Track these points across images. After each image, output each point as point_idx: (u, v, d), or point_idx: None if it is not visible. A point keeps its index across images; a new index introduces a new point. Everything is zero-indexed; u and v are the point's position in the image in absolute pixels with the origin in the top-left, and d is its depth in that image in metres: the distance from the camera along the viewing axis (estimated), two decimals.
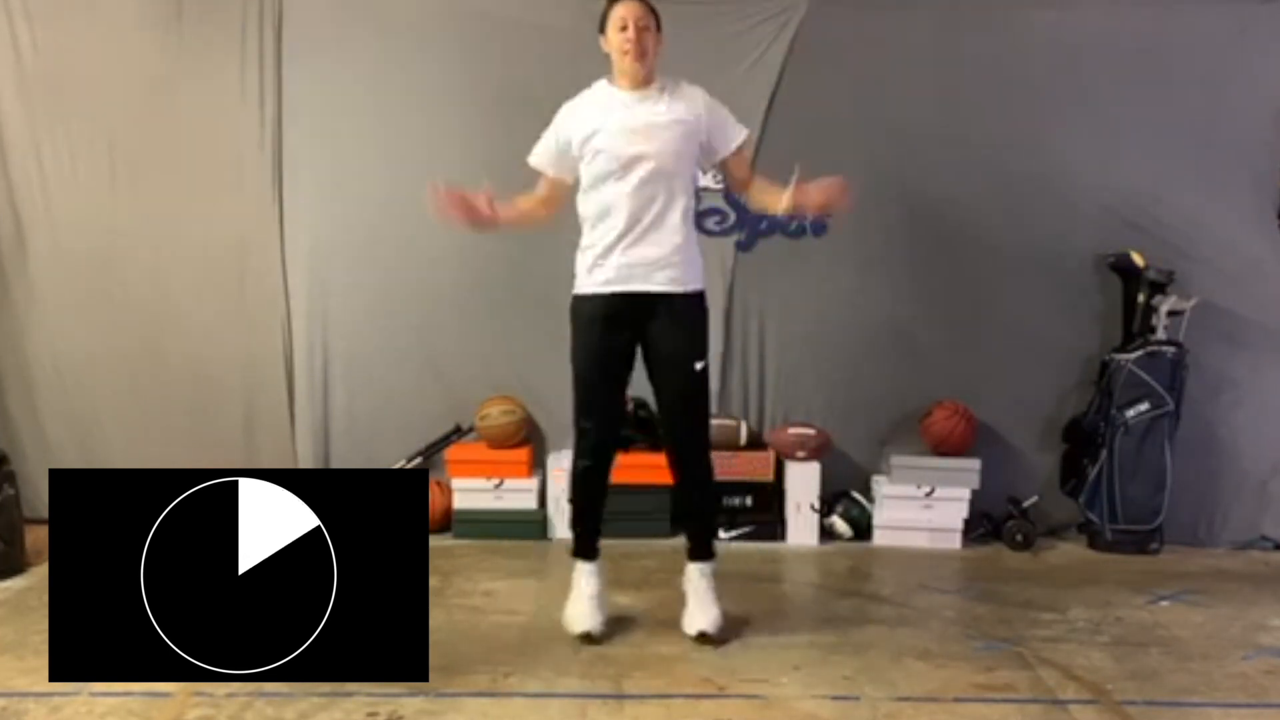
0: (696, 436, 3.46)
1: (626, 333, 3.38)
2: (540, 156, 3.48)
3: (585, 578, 3.52)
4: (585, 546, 3.55)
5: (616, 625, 3.58)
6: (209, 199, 4.70)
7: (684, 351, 3.37)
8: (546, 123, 3.52)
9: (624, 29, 3.29)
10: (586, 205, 3.40)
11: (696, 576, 3.50)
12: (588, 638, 3.41)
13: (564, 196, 3.53)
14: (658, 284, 3.32)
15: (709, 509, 3.62)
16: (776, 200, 3.40)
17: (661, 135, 3.29)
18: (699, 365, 3.38)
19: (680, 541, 3.60)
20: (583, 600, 3.49)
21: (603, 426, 3.45)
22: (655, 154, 3.28)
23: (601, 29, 3.37)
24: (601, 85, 3.40)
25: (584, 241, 3.41)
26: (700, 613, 3.45)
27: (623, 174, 3.29)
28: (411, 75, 4.67)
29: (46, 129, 4.67)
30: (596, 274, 3.35)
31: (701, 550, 3.53)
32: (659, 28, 3.35)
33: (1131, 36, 4.57)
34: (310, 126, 4.69)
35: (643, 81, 3.35)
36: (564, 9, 4.60)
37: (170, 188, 4.68)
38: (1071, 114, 4.61)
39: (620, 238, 3.30)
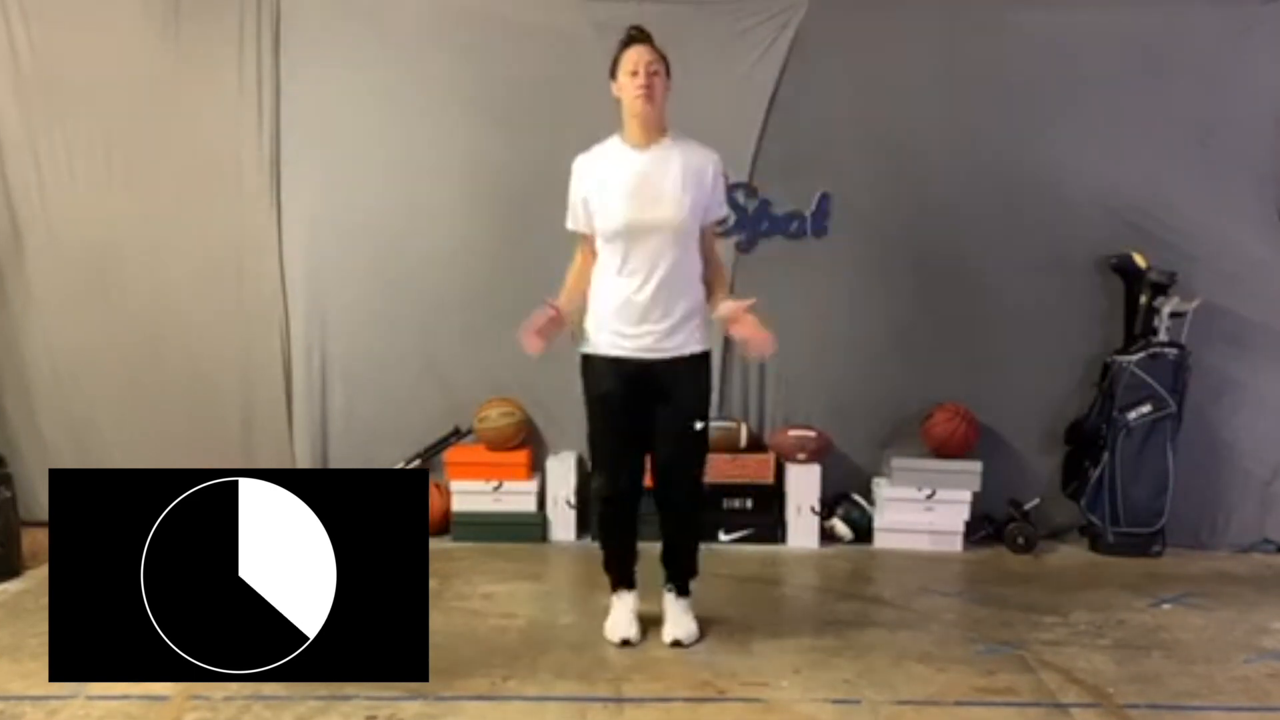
0: (690, 494, 3.50)
1: (636, 387, 3.37)
2: (573, 218, 3.45)
3: (623, 601, 3.56)
4: (622, 579, 3.58)
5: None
6: (207, 200, 4.68)
7: (684, 412, 3.39)
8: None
9: (634, 74, 3.28)
10: (596, 261, 3.42)
11: (674, 607, 3.55)
12: (626, 643, 3.46)
13: None
14: (663, 350, 3.34)
15: (693, 556, 3.60)
16: (715, 303, 3.42)
17: (670, 201, 3.29)
18: (698, 425, 3.41)
19: None
20: (622, 616, 3.53)
21: (623, 468, 3.45)
22: (663, 220, 3.29)
23: (612, 74, 3.36)
24: (614, 142, 3.39)
25: (592, 295, 3.42)
26: (679, 626, 3.51)
27: (629, 237, 3.30)
28: (410, 76, 4.66)
29: (44, 129, 4.66)
30: (604, 336, 3.38)
31: (681, 588, 3.57)
32: (668, 73, 3.34)
33: (1133, 37, 4.55)
34: (308, 127, 4.67)
35: (654, 131, 3.33)
36: (564, 11, 4.60)
37: (168, 188, 4.67)
38: (1073, 115, 4.59)
39: (626, 300, 3.32)
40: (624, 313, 3.33)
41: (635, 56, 3.29)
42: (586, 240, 3.46)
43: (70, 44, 4.62)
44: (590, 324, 3.42)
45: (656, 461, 3.45)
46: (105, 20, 4.62)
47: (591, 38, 4.37)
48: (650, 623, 3.55)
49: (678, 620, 3.51)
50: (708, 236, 3.48)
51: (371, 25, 4.64)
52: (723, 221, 3.50)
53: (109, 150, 4.67)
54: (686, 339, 3.36)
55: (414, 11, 4.65)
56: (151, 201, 4.68)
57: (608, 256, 3.36)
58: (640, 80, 3.27)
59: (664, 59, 3.33)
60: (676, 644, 3.46)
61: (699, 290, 3.41)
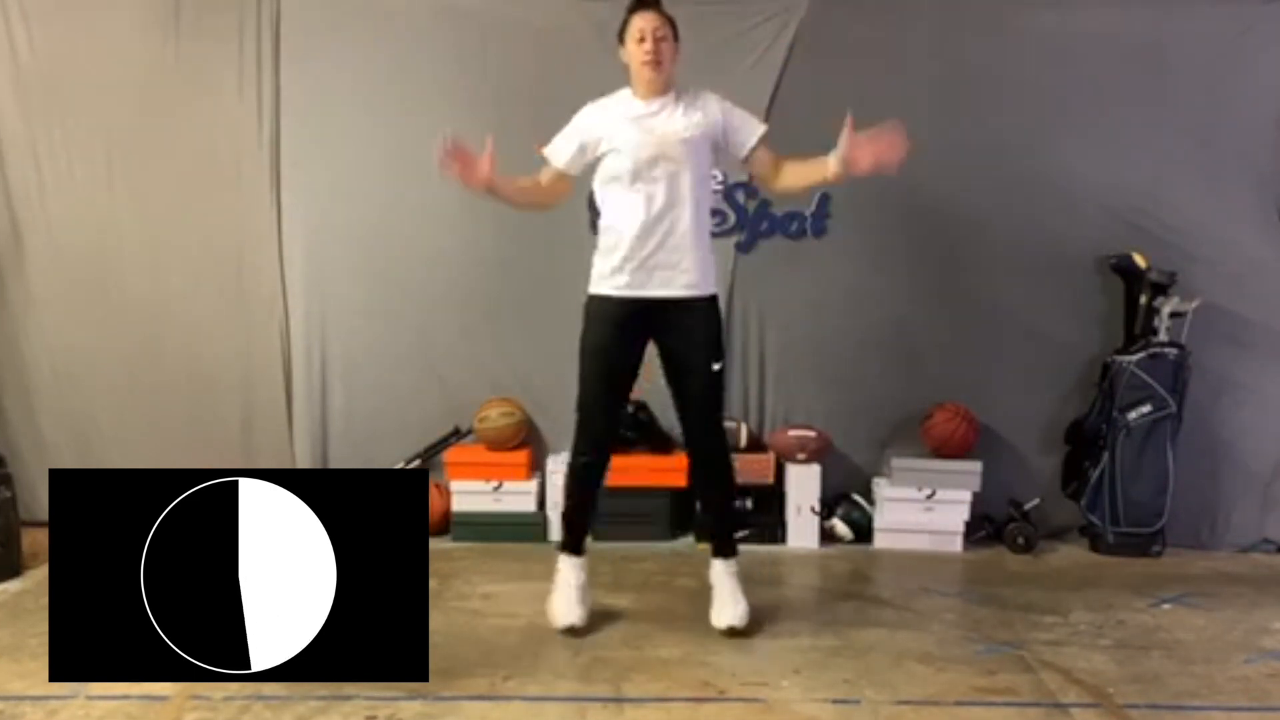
0: (716, 435, 3.55)
1: (639, 336, 3.45)
2: (555, 148, 3.51)
3: (571, 571, 3.58)
4: (574, 541, 3.62)
5: (615, 627, 3.57)
6: (207, 199, 4.68)
7: (702, 355, 3.44)
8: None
9: (642, 40, 3.35)
10: (604, 209, 3.47)
11: (721, 573, 3.58)
12: (572, 630, 3.47)
13: (566, 191, 3.62)
14: (673, 289, 3.39)
15: (730, 506, 3.69)
16: (822, 169, 3.41)
17: (677, 145, 3.37)
18: (716, 366, 3.46)
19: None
20: (568, 592, 3.55)
21: (604, 423, 3.52)
22: (671, 163, 3.35)
23: (620, 39, 3.43)
24: (624, 94, 3.47)
25: (600, 244, 3.48)
26: (728, 607, 3.51)
27: (638, 182, 3.36)
28: (410, 76, 4.66)
29: (43, 129, 4.66)
30: (613, 278, 3.42)
31: (725, 547, 3.60)
32: (676, 36, 3.42)
33: (1133, 37, 4.55)
34: (308, 127, 4.67)
35: (660, 90, 3.41)
36: (562, 10, 4.60)
37: (168, 188, 4.67)
38: (1073, 115, 4.58)
39: (636, 244, 3.37)
40: (636, 253, 3.37)
41: (642, 23, 3.36)
42: (554, 173, 3.51)
43: (70, 44, 4.62)
44: (599, 268, 3.46)
45: (682, 403, 3.51)
46: (105, 20, 4.62)
47: (591, 38, 4.38)
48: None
49: (727, 602, 3.51)
50: (764, 159, 3.51)
51: (371, 25, 4.64)
52: (766, 137, 3.49)
53: (109, 150, 4.67)
54: (699, 279, 3.41)
55: (414, 12, 4.65)
56: (151, 201, 4.68)
57: (618, 198, 3.40)
58: (648, 46, 3.34)
59: (671, 22, 3.40)
60: (732, 631, 3.45)
61: (706, 236, 3.47)
